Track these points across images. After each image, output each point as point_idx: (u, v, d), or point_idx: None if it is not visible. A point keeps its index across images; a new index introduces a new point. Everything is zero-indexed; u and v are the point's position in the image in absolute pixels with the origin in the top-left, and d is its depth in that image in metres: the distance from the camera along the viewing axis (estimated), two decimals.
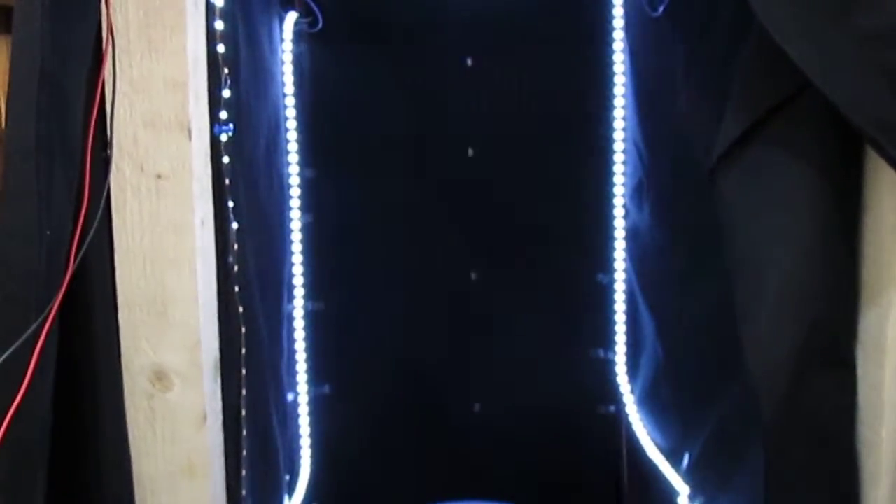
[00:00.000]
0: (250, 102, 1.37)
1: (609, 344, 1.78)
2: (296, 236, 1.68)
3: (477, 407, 1.81)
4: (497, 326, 1.81)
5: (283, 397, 1.63)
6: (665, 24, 1.49)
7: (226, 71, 1.19)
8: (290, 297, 1.68)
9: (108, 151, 1.06)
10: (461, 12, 1.71)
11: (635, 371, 1.74)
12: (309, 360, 1.72)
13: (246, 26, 1.33)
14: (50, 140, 0.96)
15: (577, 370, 1.79)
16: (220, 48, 1.18)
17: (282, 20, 1.63)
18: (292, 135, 1.65)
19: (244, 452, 1.26)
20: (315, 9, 1.65)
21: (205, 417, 1.14)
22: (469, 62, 1.74)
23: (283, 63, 1.63)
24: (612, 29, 1.67)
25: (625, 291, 1.75)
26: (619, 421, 1.78)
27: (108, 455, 1.09)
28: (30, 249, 0.95)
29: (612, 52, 1.68)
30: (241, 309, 1.25)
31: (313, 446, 1.74)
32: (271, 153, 1.55)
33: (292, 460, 1.68)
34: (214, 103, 1.17)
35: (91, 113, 1.02)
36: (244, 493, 1.26)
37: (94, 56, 1.03)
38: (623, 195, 1.72)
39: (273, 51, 1.58)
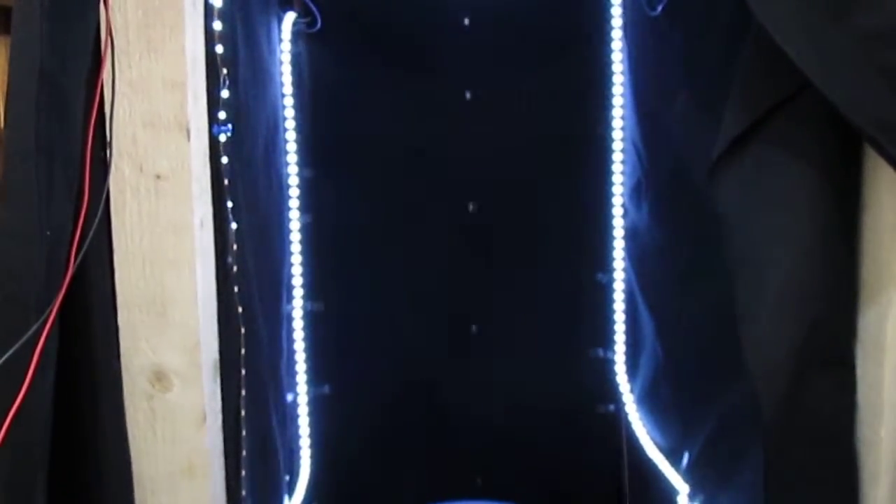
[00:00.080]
0: (249, 103, 1.37)
1: (608, 343, 1.78)
2: (295, 236, 1.68)
3: (477, 406, 1.81)
4: (497, 326, 1.81)
5: (283, 397, 1.63)
6: (664, 23, 1.49)
7: (224, 71, 1.19)
8: (290, 298, 1.68)
9: (108, 152, 1.06)
10: (460, 10, 1.71)
11: (635, 370, 1.75)
12: (308, 360, 1.72)
13: (244, 26, 1.33)
14: (49, 140, 0.96)
15: (577, 369, 1.79)
16: (219, 48, 1.18)
17: (280, 20, 1.63)
18: (291, 135, 1.65)
19: (244, 452, 1.26)
20: (313, 9, 1.65)
21: (204, 418, 1.14)
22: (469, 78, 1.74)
23: (281, 63, 1.63)
24: (611, 28, 1.67)
25: (624, 291, 1.75)
26: (618, 420, 1.78)
27: (108, 455, 1.09)
28: (30, 250, 0.95)
29: (610, 51, 1.68)
30: (240, 309, 1.25)
31: (313, 446, 1.74)
32: (270, 153, 1.55)
33: (292, 460, 1.68)
34: (213, 103, 1.17)
35: (90, 113, 1.02)
36: (244, 493, 1.26)
37: (94, 56, 1.03)
38: (622, 195, 1.72)
39: (271, 51, 1.58)
